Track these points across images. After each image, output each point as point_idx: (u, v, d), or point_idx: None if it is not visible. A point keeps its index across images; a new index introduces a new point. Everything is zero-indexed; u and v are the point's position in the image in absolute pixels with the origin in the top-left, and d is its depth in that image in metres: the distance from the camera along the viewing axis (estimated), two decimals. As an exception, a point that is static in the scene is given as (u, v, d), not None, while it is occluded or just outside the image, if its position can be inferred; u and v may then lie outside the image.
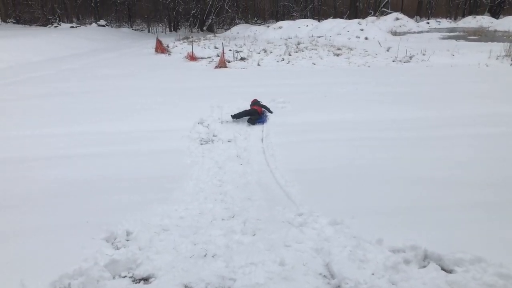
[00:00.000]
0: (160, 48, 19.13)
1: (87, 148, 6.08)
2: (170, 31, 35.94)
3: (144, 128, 7.06)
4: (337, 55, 16.38)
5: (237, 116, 7.40)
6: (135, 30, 35.94)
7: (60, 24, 30.91)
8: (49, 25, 30.40)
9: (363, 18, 32.07)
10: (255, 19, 41.42)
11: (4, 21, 31.27)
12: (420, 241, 3.37)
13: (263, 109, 7.75)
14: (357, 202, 4.24)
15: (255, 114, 7.44)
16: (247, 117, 7.40)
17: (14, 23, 31.59)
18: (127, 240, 3.59)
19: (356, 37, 23.26)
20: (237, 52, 17.41)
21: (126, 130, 6.93)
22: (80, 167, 5.35)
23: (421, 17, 43.81)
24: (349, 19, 29.69)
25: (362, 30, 24.00)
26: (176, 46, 20.88)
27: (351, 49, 17.77)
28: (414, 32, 28.11)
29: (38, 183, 4.87)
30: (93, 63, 16.24)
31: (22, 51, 17.52)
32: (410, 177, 4.84)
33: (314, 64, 14.73)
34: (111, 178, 4.97)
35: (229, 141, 6.45)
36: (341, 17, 33.71)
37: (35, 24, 31.48)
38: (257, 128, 7.11)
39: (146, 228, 3.74)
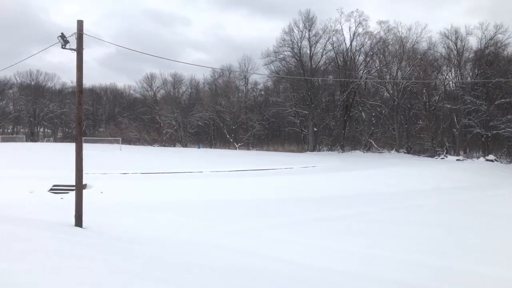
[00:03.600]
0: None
1: None
2: None
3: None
4: None
5: None
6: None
7: (446, 156, 32.04)
8: (436, 157, 31.99)
9: None
10: None
11: (397, 150, 35.45)
12: None
13: None
14: None
15: None
16: None
17: (404, 153, 35.28)
18: None
19: None
20: None
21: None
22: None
23: None
24: None
25: None
26: None
27: None
28: None
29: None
30: (475, 198, 15.66)
31: (408, 179, 19.08)
32: None
33: None
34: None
35: None
36: None
37: (423, 155, 33.91)
38: None
39: None
